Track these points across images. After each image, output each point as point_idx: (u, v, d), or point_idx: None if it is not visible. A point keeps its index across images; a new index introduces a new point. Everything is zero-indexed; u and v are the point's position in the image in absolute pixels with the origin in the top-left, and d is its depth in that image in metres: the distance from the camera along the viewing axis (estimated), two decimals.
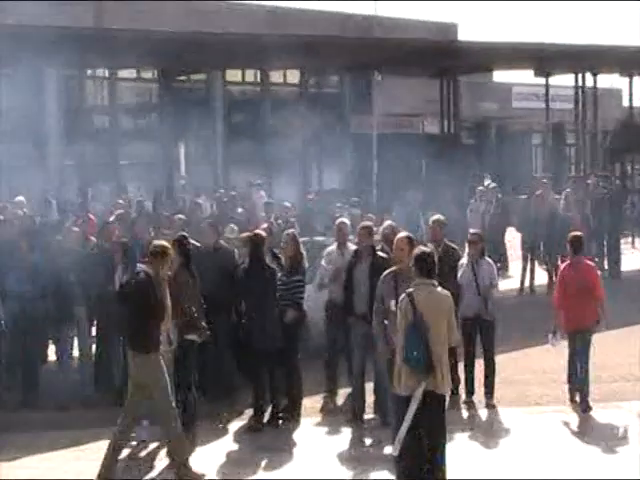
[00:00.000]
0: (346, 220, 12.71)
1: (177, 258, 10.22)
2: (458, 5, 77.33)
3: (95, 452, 9.97)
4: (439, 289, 8.38)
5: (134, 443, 10.09)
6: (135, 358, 9.11)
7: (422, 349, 8.11)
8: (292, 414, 10.91)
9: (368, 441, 10.20)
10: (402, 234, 9.81)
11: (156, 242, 9.58)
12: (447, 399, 8.63)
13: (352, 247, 11.66)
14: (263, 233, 11.35)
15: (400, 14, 41.68)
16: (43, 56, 19.19)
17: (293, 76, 28.80)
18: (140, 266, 9.32)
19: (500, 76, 38.51)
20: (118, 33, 19.39)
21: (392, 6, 57.26)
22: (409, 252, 9.00)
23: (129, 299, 9.18)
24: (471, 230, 12.76)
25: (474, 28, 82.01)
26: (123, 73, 26.09)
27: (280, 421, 10.78)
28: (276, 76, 29.02)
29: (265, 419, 10.69)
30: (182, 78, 27.07)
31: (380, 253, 10.75)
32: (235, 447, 10.21)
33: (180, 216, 14.34)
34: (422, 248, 8.73)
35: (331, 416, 11.07)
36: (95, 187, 21.48)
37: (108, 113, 25.27)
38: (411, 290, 8.30)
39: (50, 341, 12.61)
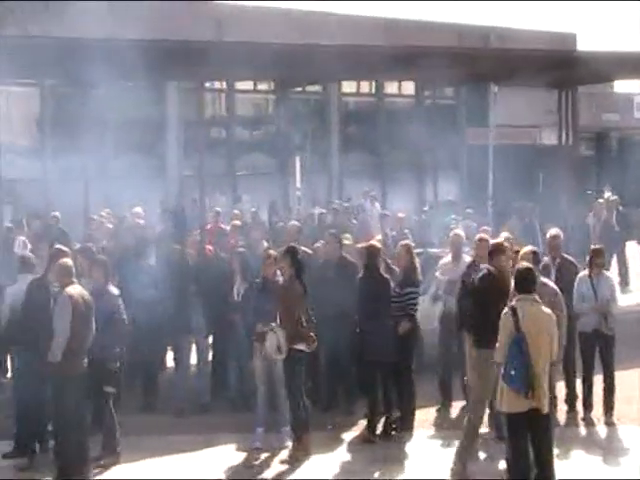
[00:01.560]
0: (461, 232, 12.64)
1: (289, 268, 10.32)
2: (576, 15, 75.98)
3: (210, 457, 10.17)
4: (541, 305, 8.29)
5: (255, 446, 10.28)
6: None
7: (523, 367, 8.04)
8: (405, 426, 10.88)
9: (482, 455, 10.08)
10: (527, 248, 9.80)
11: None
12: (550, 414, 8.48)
13: (467, 259, 11.59)
14: (378, 244, 11.37)
15: (516, 25, 41.21)
16: (164, 69, 19.63)
17: (408, 87, 28.77)
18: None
19: (622, 86, 37.72)
20: (236, 46, 19.63)
21: (508, 17, 56.69)
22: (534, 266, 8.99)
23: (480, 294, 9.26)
24: (592, 245, 12.52)
25: (593, 38, 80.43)
26: (240, 85, 26.50)
27: (393, 433, 10.76)
28: (391, 87, 29.05)
29: (378, 430, 10.69)
30: (298, 89, 27.32)
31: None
32: (348, 457, 10.23)
33: (295, 223, 14.46)
34: (523, 264, 8.70)
35: (445, 429, 11.00)
36: (212, 197, 21.83)
37: (225, 124, 25.70)
38: (514, 305, 8.24)
39: (168, 348, 12.88)
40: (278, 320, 10.20)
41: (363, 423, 10.93)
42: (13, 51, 14.61)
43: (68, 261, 9.90)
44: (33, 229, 15.80)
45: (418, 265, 11.32)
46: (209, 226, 15.28)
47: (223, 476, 9.75)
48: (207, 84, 25.61)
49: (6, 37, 18.83)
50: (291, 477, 9.71)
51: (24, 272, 10.63)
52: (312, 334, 10.27)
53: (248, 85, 27.24)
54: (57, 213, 16.40)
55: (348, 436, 10.83)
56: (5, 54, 14.35)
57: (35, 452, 9.96)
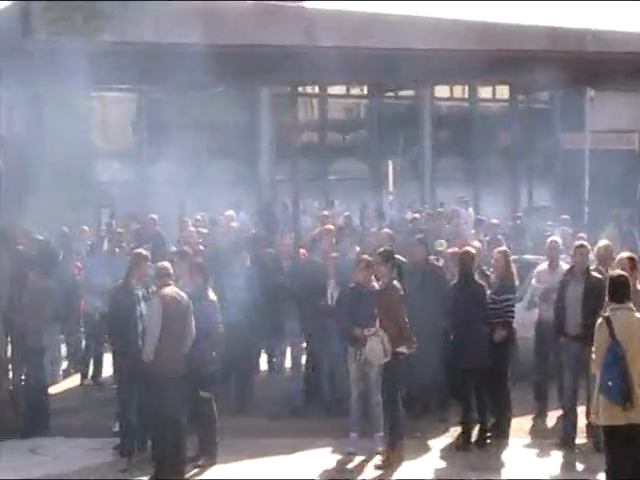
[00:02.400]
0: (558, 238, 12.44)
1: (386, 271, 10.32)
2: None
3: (304, 461, 10.20)
4: (636, 313, 8.09)
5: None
6: None
7: (619, 378, 7.86)
8: (500, 434, 10.74)
9: (580, 467, 9.89)
10: (624, 254, 9.58)
11: None
12: None
13: (564, 266, 11.40)
14: (473, 250, 11.26)
15: (614, 26, 40.35)
16: (258, 74, 19.80)
17: (502, 91, 28.45)
18: None
19: None
20: (329, 50, 19.68)
21: (605, 18, 55.61)
22: (630, 273, 8.75)
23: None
24: None
25: None
26: (332, 89, 26.55)
27: (488, 440, 10.63)
28: (485, 91, 28.76)
29: (473, 438, 10.58)
30: (390, 94, 27.25)
31: (594, 273, 10.42)
32: (442, 464, 10.15)
33: (387, 230, 14.41)
34: (616, 271, 8.51)
35: (540, 438, 10.83)
36: (304, 202, 21.94)
37: (317, 129, 25.78)
38: (607, 314, 8.06)
39: (262, 351, 12.95)
40: (378, 324, 10.18)
41: (456, 430, 10.83)
42: (110, 57, 14.93)
43: (165, 263, 10.04)
44: (131, 232, 16.06)
45: (515, 272, 11.17)
46: (316, 230, 15.13)
47: (317, 479, 9.76)
48: (300, 89, 25.81)
49: (103, 43, 19.26)
50: None
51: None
52: (412, 336, 10.23)
53: (341, 90, 27.27)
54: (155, 216, 16.66)
55: (441, 443, 10.74)
56: (102, 60, 14.67)
57: (134, 452, 10.10)
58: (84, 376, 13.91)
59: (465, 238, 14.52)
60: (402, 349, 10.15)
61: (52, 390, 12.31)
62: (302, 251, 13.31)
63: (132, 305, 9.96)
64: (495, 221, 16.87)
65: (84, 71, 15.22)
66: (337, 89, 26.99)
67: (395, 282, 10.31)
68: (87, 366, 13.93)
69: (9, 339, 11.98)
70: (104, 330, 13.47)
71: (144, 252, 10.66)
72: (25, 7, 22.86)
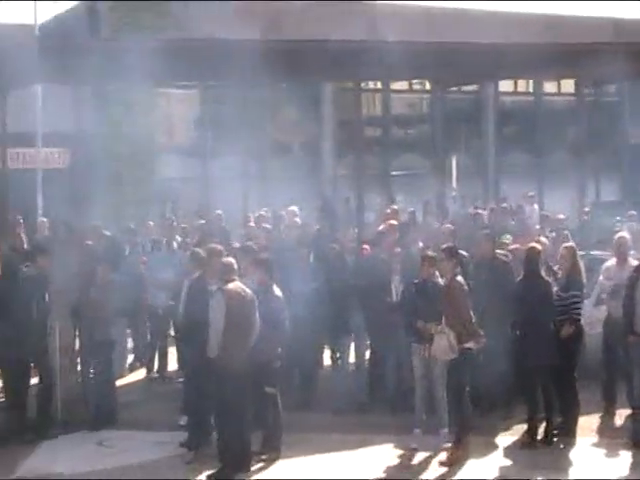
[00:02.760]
0: (626, 234, 12.24)
1: (450, 267, 10.26)
2: None
3: (367, 456, 10.19)
4: None
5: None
6: None
7: None
8: (567, 432, 10.60)
9: None
10: None
11: None
12: None
13: (633, 262, 11.21)
14: (538, 246, 11.13)
15: None
16: (321, 70, 19.79)
17: (568, 85, 28.09)
18: None
19: None
20: (393, 45, 19.57)
21: None
22: None
23: None
24: None
25: None
26: (395, 84, 26.47)
27: (554, 439, 10.50)
28: (550, 85, 28.44)
29: (539, 436, 10.46)
30: (453, 89, 27.06)
31: None
32: (508, 463, 10.05)
33: (450, 226, 14.32)
34: None
35: (608, 437, 10.67)
36: (367, 197, 21.82)
37: (380, 124, 25.71)
38: None
39: (325, 347, 12.96)
40: (444, 320, 10.12)
41: (521, 428, 10.72)
42: (174, 54, 14.99)
43: (230, 259, 10.10)
44: (196, 227, 16.18)
45: (582, 268, 11.02)
46: (382, 226, 15.09)
47: (382, 475, 9.74)
48: (362, 84, 25.73)
49: (167, 41, 19.40)
50: (451, 479, 9.61)
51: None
52: (480, 332, 10.15)
53: (403, 85, 27.17)
54: (220, 211, 16.77)
55: (507, 441, 10.64)
56: (166, 57, 14.75)
57: (200, 446, 10.17)
58: (149, 370, 14.06)
59: (531, 234, 14.35)
60: (470, 345, 10.08)
61: (118, 383, 12.45)
62: (365, 247, 13.27)
63: (205, 300, 10.03)
64: (561, 217, 16.66)
65: (148, 69, 15.36)
66: (400, 84, 26.90)
67: (459, 278, 10.25)
68: (152, 360, 14.07)
69: (77, 333, 12.16)
70: (168, 325, 13.69)
71: (219, 247, 10.76)
72: (91, 6, 23.19)
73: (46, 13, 24.28)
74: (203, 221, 16.84)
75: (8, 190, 15.57)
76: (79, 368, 12.07)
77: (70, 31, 22.57)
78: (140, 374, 14.10)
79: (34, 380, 11.43)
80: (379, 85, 26.05)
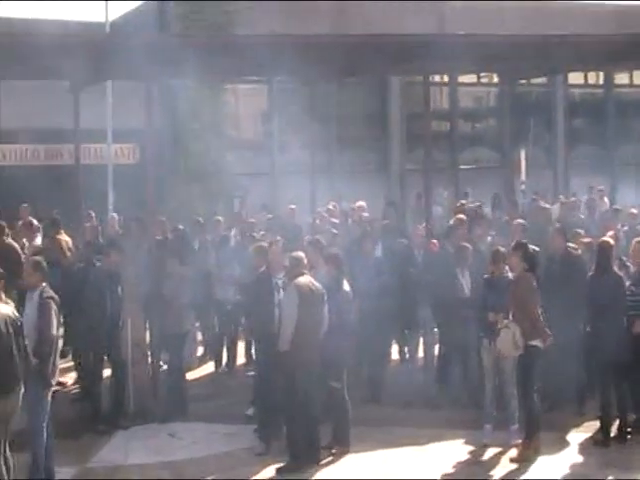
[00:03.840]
0: None
1: (520, 263, 10.17)
2: None
3: (437, 451, 10.15)
4: None
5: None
6: None
7: None
8: None
9: None
10: None
11: None
12: None
13: None
14: (610, 240, 10.97)
15: None
16: (388, 64, 19.75)
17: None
18: None
19: None
20: (460, 39, 19.44)
21: None
22: None
23: None
24: None
25: None
26: (463, 78, 26.27)
27: (628, 437, 10.34)
28: (621, 77, 27.97)
29: (612, 433, 10.31)
30: (522, 82, 26.78)
31: None
32: (580, 460, 9.94)
33: (520, 221, 14.18)
34: None
35: None
36: (435, 191, 21.69)
37: (448, 118, 25.55)
38: None
39: (393, 341, 12.94)
40: (511, 316, 10.03)
41: (594, 425, 10.58)
42: (243, 50, 15.08)
43: (299, 253, 10.14)
44: (264, 222, 16.27)
45: None
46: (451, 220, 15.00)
47: (452, 470, 9.70)
48: (430, 78, 25.56)
49: (234, 36, 19.52)
50: (522, 477, 9.53)
51: None
52: (547, 330, 10.03)
53: (471, 78, 26.95)
54: (293, 206, 16.83)
55: (579, 438, 10.52)
56: (236, 53, 14.85)
57: (271, 438, 10.22)
58: (218, 364, 14.19)
59: (603, 228, 14.15)
60: (536, 342, 9.96)
61: (188, 377, 12.57)
62: (434, 241, 13.21)
63: (271, 293, 10.08)
64: (634, 211, 16.39)
65: (217, 64, 15.47)
66: (467, 77, 26.70)
67: (528, 273, 10.13)
68: (220, 354, 14.19)
69: (147, 326, 12.33)
70: (237, 319, 13.80)
71: (280, 241, 10.81)
72: (160, 4, 23.43)
73: (116, 11, 24.62)
74: (270, 216, 16.95)
75: (81, 186, 15.81)
76: (150, 360, 12.23)
77: (140, 28, 22.82)
78: (209, 367, 14.23)
79: (107, 372, 11.60)
80: (446, 79, 25.89)
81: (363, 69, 20.24)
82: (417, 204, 19.75)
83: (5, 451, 8.25)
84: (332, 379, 10.04)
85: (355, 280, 11.28)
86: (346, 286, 10.30)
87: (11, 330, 8.15)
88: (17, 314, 8.42)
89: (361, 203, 17.22)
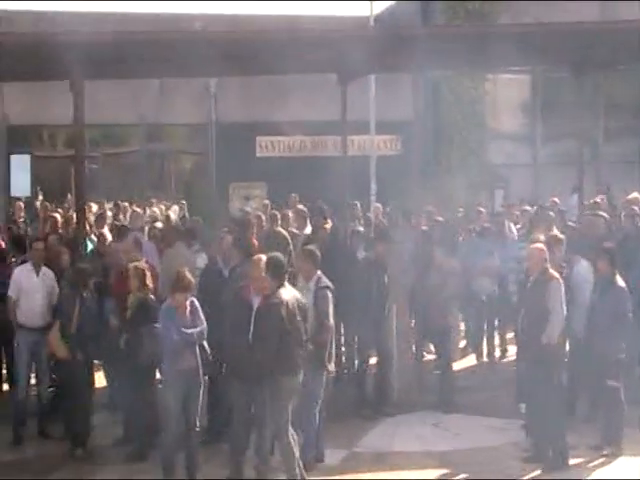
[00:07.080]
0: None
1: None
2: None
3: None
4: None
5: None
6: None
7: None
8: None
9: None
10: None
11: None
12: None
13: None
14: None
15: None
16: None
17: None
18: None
19: None
20: None
21: None
22: None
23: None
24: None
25: None
26: None
27: None
28: None
29: None
30: None
31: None
32: None
33: None
34: None
35: None
36: None
37: None
38: None
39: None
40: None
41: None
42: (508, 39, 14.83)
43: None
44: (525, 215, 15.99)
45: None
46: None
47: None
48: None
49: (501, 25, 19.27)
50: None
51: None
52: None
53: None
54: (556, 199, 16.43)
55: None
56: (501, 42, 14.63)
57: None
58: (479, 355, 14.10)
59: None
60: None
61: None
62: None
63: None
64: None
65: (482, 54, 15.32)
66: None
67: None
68: (480, 346, 14.10)
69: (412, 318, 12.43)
70: (494, 311, 13.68)
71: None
72: None
73: (380, 5, 24.96)
74: (529, 207, 16.62)
75: (348, 176, 16.16)
76: (414, 350, 12.32)
77: (403, 21, 23.04)
78: (471, 360, 14.16)
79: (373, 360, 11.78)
80: None
81: (631, 57, 19.39)
82: None
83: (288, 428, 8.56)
84: (609, 378, 9.70)
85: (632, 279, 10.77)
86: (620, 282, 9.92)
87: (299, 317, 8.45)
88: (304, 300, 8.71)
89: (636, 195, 16.45)
